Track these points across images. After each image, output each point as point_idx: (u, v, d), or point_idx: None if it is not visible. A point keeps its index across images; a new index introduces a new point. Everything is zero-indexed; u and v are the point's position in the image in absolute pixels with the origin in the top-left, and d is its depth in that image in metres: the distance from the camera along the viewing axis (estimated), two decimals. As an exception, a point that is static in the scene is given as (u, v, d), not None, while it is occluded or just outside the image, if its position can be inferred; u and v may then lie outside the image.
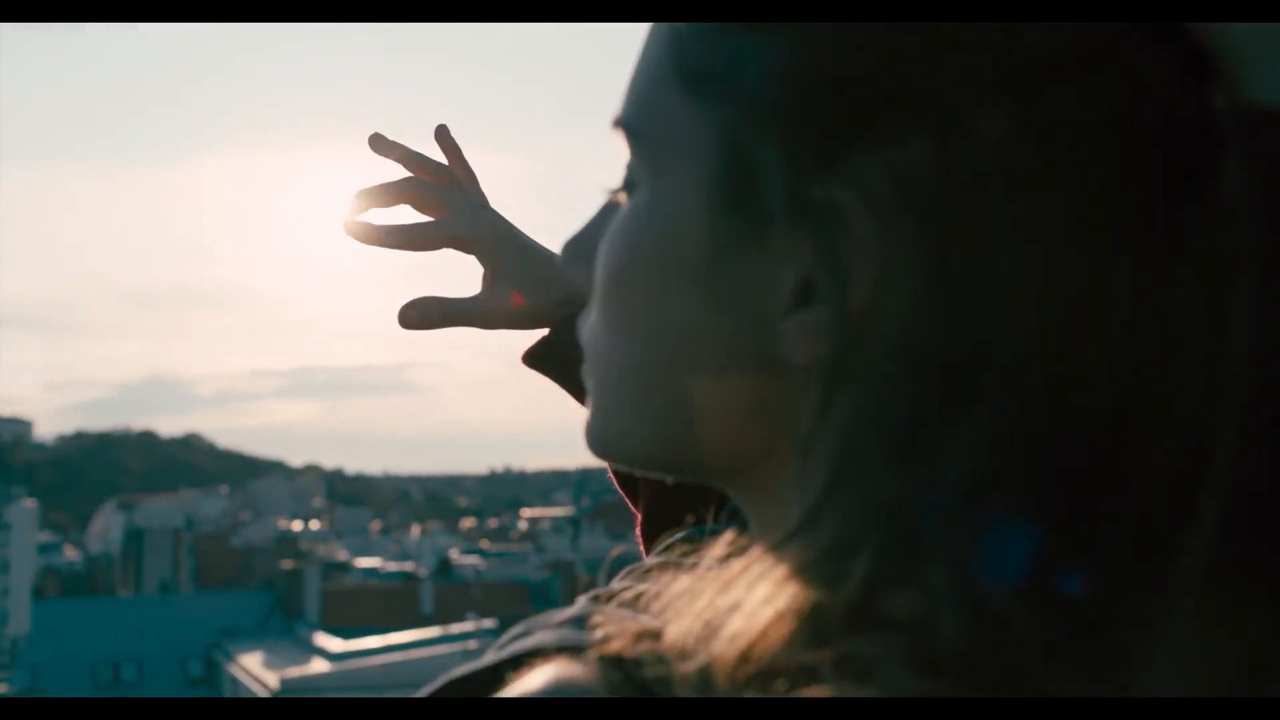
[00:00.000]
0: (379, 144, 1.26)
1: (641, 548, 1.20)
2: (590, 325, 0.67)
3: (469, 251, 1.22)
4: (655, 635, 0.56)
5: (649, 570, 0.74)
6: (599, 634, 0.57)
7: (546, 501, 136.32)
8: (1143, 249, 0.52)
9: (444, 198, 1.24)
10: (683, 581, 0.58)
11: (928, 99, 0.53)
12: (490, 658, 0.64)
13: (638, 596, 0.62)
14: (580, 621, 0.62)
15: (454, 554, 65.22)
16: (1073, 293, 0.52)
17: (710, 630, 0.53)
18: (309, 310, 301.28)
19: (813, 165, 0.55)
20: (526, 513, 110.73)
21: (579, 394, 1.20)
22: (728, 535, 0.61)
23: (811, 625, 0.50)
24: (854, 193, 0.54)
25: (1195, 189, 0.52)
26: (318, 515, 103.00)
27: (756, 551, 0.55)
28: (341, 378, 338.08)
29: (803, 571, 0.52)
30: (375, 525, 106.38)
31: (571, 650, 0.57)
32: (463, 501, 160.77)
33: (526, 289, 1.21)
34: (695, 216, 0.60)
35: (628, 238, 0.63)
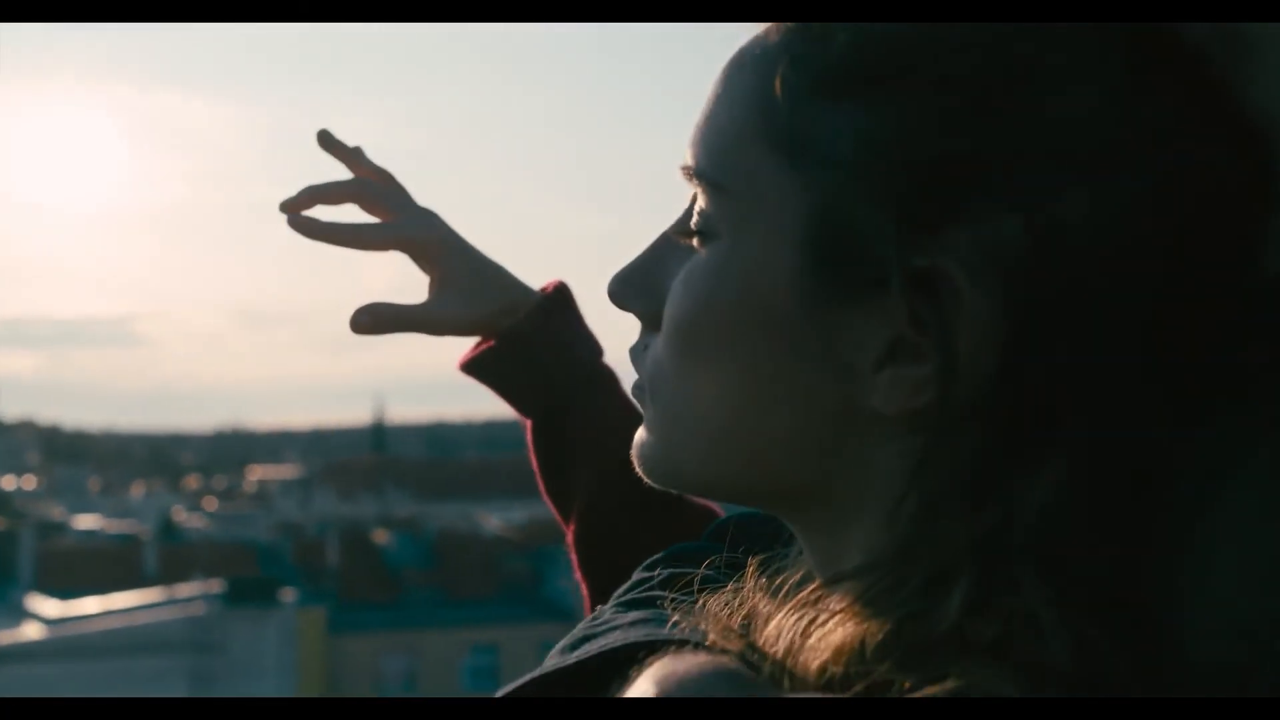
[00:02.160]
0: (328, 142, 1.27)
1: (574, 555, 1.30)
2: (654, 360, 0.71)
3: (416, 256, 1.25)
4: (747, 639, 0.63)
5: (661, 582, 0.83)
6: (700, 631, 0.64)
7: (276, 461, 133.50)
8: (1203, 316, 0.60)
9: (389, 200, 1.25)
10: (756, 598, 0.67)
11: (1022, 177, 0.59)
12: (576, 657, 0.71)
13: (702, 604, 0.69)
14: (654, 622, 0.71)
15: (178, 514, 63.48)
16: (1131, 360, 0.59)
17: (811, 632, 0.60)
18: (25, 257, 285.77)
19: (914, 234, 0.60)
20: (255, 472, 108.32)
21: (518, 402, 1.30)
22: (794, 564, 0.71)
23: (903, 645, 0.56)
24: (955, 262, 0.59)
25: (1249, 257, 0.60)
26: (32, 472, 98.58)
27: (828, 577, 0.64)
28: (61, 329, 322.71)
29: (896, 597, 0.59)
30: (95, 483, 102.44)
31: (679, 644, 0.62)
32: (188, 459, 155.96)
33: (473, 298, 1.24)
34: (783, 273, 0.64)
35: (708, 286, 0.67)
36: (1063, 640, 0.56)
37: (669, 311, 0.70)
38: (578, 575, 1.31)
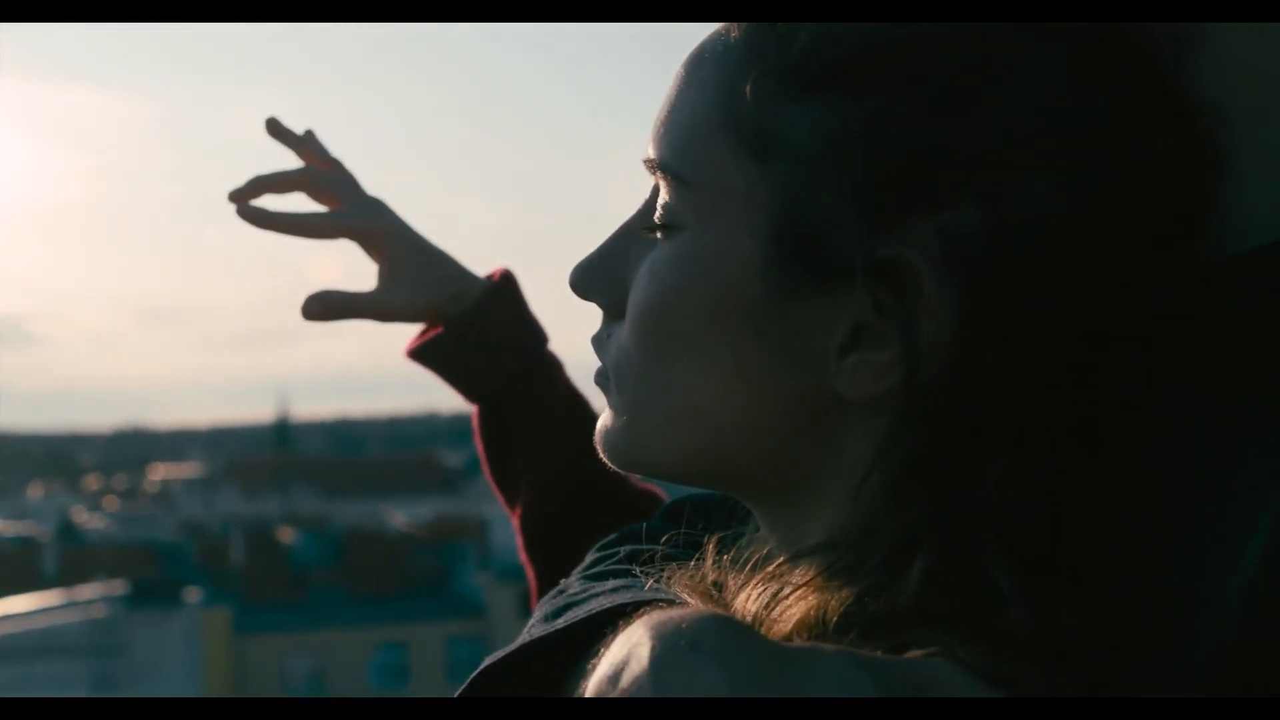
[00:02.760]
0: (276, 130, 1.28)
1: (520, 536, 1.34)
2: (620, 348, 0.73)
3: (365, 244, 1.27)
4: (721, 602, 0.67)
5: (623, 558, 0.86)
6: (678, 595, 0.68)
7: (177, 459, 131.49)
8: (1152, 300, 0.64)
9: (337, 188, 1.27)
10: (719, 573, 0.70)
11: (981, 171, 0.62)
12: (565, 621, 0.73)
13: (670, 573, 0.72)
14: (634, 589, 0.73)
15: (78, 514, 62.41)
16: (1081, 347, 0.63)
17: (775, 605, 0.63)
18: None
19: (877, 226, 0.63)
20: (156, 471, 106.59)
21: (465, 388, 1.33)
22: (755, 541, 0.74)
23: (866, 616, 0.60)
24: (917, 252, 0.63)
25: (1194, 245, 0.65)
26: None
27: (792, 553, 0.67)
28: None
29: (859, 570, 0.62)
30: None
31: (664, 604, 0.65)
32: (87, 459, 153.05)
33: (422, 286, 1.27)
34: (749, 263, 0.67)
35: (675, 277, 0.69)
36: (1022, 608, 0.58)
37: (635, 301, 0.71)
38: (523, 555, 1.35)
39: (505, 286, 1.32)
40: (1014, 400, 0.63)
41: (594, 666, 0.59)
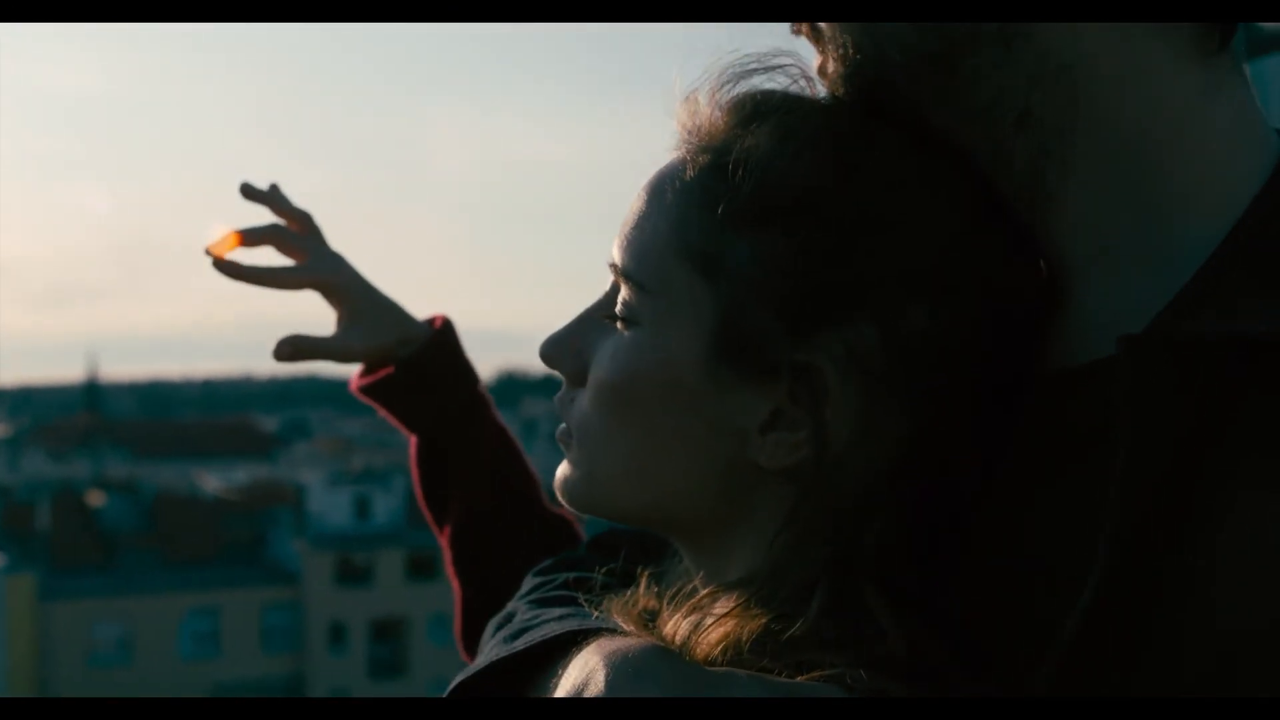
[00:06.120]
0: (249, 192, 1.43)
1: (449, 552, 1.50)
2: (582, 413, 0.91)
3: (327, 294, 1.45)
4: (655, 631, 0.82)
5: (562, 584, 1.04)
6: (618, 623, 0.84)
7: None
8: (1006, 399, 0.85)
9: (303, 244, 1.44)
10: (650, 601, 0.87)
11: (878, 297, 0.81)
12: (523, 644, 0.88)
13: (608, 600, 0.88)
14: (580, 616, 0.89)
15: None
16: (947, 435, 0.83)
17: (697, 632, 0.78)
18: None
19: (797, 336, 0.82)
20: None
21: (408, 421, 1.50)
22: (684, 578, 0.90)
23: (775, 640, 0.76)
24: (825, 357, 0.81)
25: (1037, 356, 0.85)
26: None
27: (714, 588, 0.84)
28: None
29: (769, 603, 0.79)
30: None
31: (608, 631, 0.82)
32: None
33: (375, 331, 1.45)
34: (693, 358, 0.85)
35: (633, 362, 0.87)
36: (899, 637, 0.75)
37: (597, 377, 0.89)
38: (450, 570, 1.51)
39: (446, 333, 1.49)
40: (894, 475, 0.82)
41: (555, 685, 0.77)
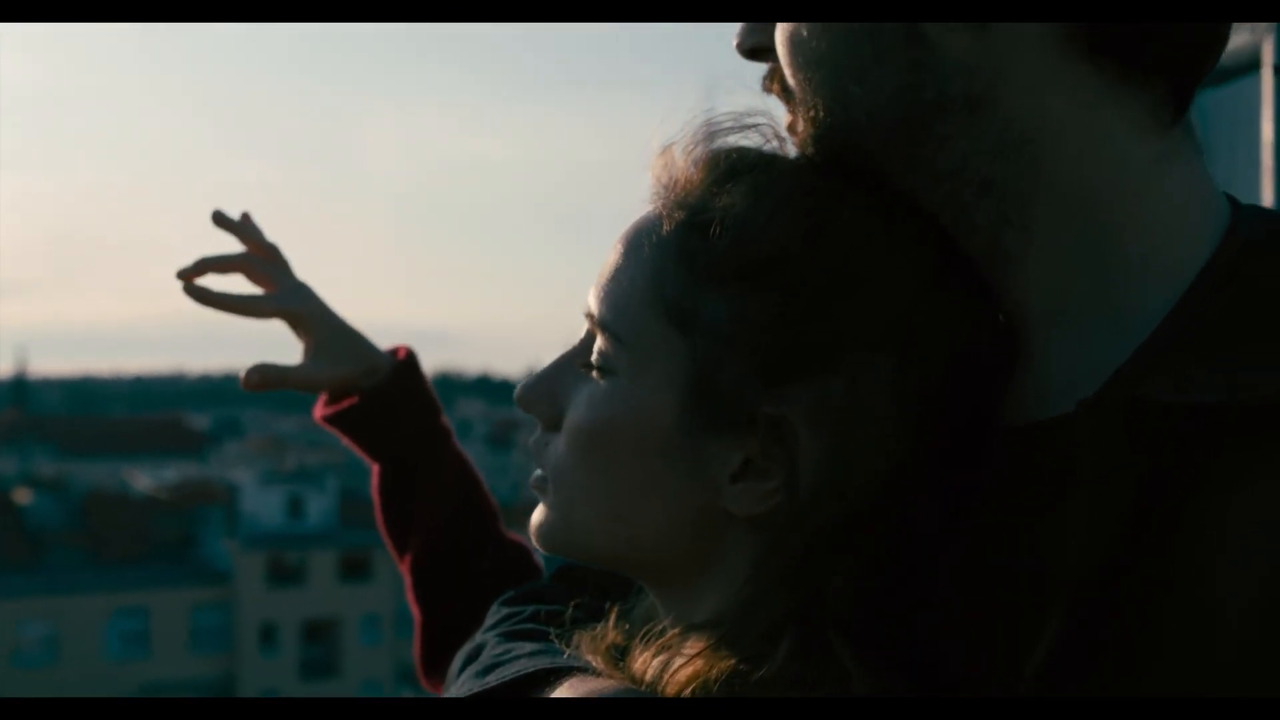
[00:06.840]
0: (221, 220, 1.48)
1: (409, 578, 1.54)
2: (557, 457, 0.93)
3: (294, 324, 1.49)
4: (624, 671, 0.86)
5: (530, 616, 1.08)
6: (588, 661, 0.89)
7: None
8: (965, 454, 0.87)
9: (271, 272, 1.48)
10: (619, 638, 0.92)
11: (846, 354, 0.84)
12: (495, 679, 0.92)
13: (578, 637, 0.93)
14: (550, 653, 0.93)
15: None
16: (912, 485, 0.86)
17: (667, 671, 0.83)
18: None
19: (768, 390, 0.85)
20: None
21: (371, 450, 1.54)
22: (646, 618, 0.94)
23: (744, 679, 0.80)
24: (796, 410, 0.84)
25: (996, 411, 0.88)
26: None
27: (684, 628, 0.87)
28: None
29: (737, 645, 0.83)
30: None
31: (579, 670, 0.87)
32: None
33: (340, 360, 1.49)
34: (667, 409, 0.87)
35: (608, 411, 0.89)
36: (861, 679, 0.78)
37: (573, 423, 0.91)
38: (410, 595, 1.56)
39: (409, 364, 1.54)
40: (858, 525, 0.85)
41: None
